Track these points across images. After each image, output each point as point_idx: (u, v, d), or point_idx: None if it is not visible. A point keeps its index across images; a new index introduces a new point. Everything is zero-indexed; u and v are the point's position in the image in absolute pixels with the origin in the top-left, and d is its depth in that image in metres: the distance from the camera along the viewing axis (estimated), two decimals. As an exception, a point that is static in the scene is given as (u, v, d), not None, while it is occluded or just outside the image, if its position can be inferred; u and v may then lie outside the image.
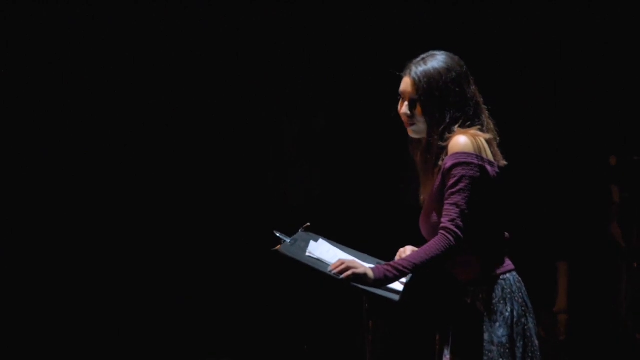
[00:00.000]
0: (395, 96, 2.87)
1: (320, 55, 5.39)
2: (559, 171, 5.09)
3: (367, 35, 5.34)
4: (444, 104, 2.76)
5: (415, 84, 2.79)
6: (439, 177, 2.74)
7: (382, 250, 2.94)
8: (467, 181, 2.68)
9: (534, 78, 5.25)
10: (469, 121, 2.76)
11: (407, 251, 2.88)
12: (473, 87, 2.81)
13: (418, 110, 2.80)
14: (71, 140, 5.18)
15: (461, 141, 2.71)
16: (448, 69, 2.78)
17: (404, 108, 2.83)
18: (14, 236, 5.06)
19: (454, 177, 2.69)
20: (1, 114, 5.06)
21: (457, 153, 2.70)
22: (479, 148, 2.72)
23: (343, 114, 5.48)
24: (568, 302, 4.87)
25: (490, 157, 2.76)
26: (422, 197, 2.87)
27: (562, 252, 4.90)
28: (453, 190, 2.68)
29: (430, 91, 2.77)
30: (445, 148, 2.74)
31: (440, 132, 2.76)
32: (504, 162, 2.82)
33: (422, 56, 2.84)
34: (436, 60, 2.80)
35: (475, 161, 2.70)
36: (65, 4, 5.08)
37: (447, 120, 2.75)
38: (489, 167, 2.73)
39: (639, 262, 5.03)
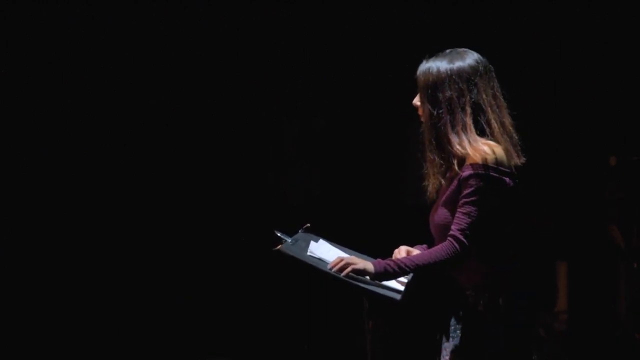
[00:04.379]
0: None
1: (320, 56, 5.39)
2: (559, 171, 5.09)
3: (367, 36, 5.34)
4: (437, 101, 2.77)
5: (417, 76, 2.83)
6: (455, 183, 2.74)
7: (382, 250, 2.95)
8: (483, 193, 2.68)
9: (534, 78, 5.25)
10: (475, 127, 2.76)
11: (401, 251, 2.89)
12: (476, 93, 2.79)
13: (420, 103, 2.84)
14: (71, 140, 5.18)
15: (482, 152, 2.70)
16: (451, 68, 2.78)
17: (414, 99, 2.86)
18: (14, 236, 5.06)
19: (470, 187, 2.69)
20: (1, 114, 5.07)
21: (476, 164, 2.69)
22: (499, 160, 2.72)
23: (343, 114, 5.48)
24: (568, 302, 4.88)
25: (510, 167, 2.75)
26: (429, 192, 2.87)
27: (562, 252, 4.90)
28: (467, 200, 2.68)
29: (425, 86, 2.79)
30: (461, 154, 2.73)
31: (436, 130, 2.76)
32: (522, 160, 2.83)
33: (442, 52, 2.85)
34: (442, 58, 2.81)
35: (494, 174, 2.70)
36: (65, 4, 5.08)
37: (443, 119, 2.75)
38: (507, 179, 2.73)
39: (639, 262, 5.04)
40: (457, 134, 2.74)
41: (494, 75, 2.83)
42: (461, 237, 2.67)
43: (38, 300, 5.10)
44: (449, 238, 2.69)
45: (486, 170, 2.69)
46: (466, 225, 2.67)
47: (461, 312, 2.78)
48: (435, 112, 2.76)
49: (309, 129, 5.57)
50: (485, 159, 2.70)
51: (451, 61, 2.79)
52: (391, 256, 2.87)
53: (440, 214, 2.79)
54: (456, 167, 2.72)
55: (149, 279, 5.23)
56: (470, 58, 2.81)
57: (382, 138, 5.35)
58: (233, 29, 5.36)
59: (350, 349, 5.04)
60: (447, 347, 2.79)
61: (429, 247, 2.83)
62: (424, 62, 2.83)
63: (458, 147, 2.72)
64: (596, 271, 4.87)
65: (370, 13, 5.33)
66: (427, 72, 2.80)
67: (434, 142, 2.77)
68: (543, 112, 5.22)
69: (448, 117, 2.75)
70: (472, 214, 2.68)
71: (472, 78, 2.78)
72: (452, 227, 2.69)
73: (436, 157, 2.77)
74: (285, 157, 5.55)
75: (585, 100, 5.25)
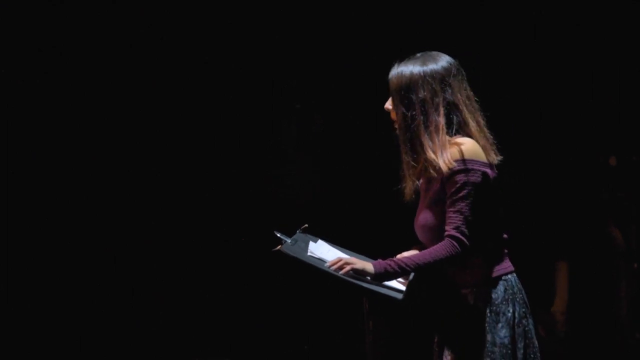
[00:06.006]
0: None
1: (319, 56, 5.39)
2: (559, 171, 5.09)
3: (367, 36, 5.34)
4: (410, 103, 2.78)
5: (389, 80, 2.85)
6: (438, 183, 2.75)
7: (381, 250, 2.95)
8: (470, 188, 2.69)
9: (533, 78, 5.25)
10: (448, 127, 2.77)
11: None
12: (451, 92, 2.80)
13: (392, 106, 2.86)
14: (71, 140, 5.18)
15: (460, 148, 2.72)
16: (424, 70, 2.80)
17: (386, 103, 2.89)
18: (13, 236, 5.07)
19: (457, 184, 2.70)
20: (1, 114, 5.07)
21: (457, 160, 2.71)
22: (474, 153, 2.74)
23: (343, 114, 5.48)
24: (567, 302, 4.87)
25: (487, 159, 2.77)
26: (405, 194, 2.88)
27: (562, 252, 4.90)
28: (456, 197, 2.70)
29: (398, 89, 2.81)
30: (433, 162, 2.73)
31: (410, 132, 2.77)
32: (499, 158, 2.84)
33: (413, 55, 2.87)
34: (414, 60, 2.84)
35: (476, 167, 2.71)
36: (64, 4, 5.08)
37: (416, 120, 2.76)
38: (489, 171, 2.75)
39: (639, 262, 5.04)
40: (430, 134, 2.75)
41: (466, 78, 2.86)
42: (459, 235, 2.68)
43: (38, 300, 5.10)
44: (447, 238, 2.70)
45: (466, 165, 2.71)
46: (461, 222, 2.68)
47: (460, 311, 2.78)
48: (409, 114, 2.79)
49: (309, 129, 5.57)
50: (465, 153, 2.71)
51: (424, 63, 2.81)
52: (392, 257, 2.88)
53: (424, 215, 2.80)
54: (432, 171, 2.74)
55: (150, 279, 5.24)
56: (443, 60, 2.83)
57: (382, 138, 5.34)
58: (232, 29, 5.36)
59: (350, 349, 5.04)
60: (448, 347, 2.80)
61: (425, 248, 2.83)
62: (396, 65, 2.86)
63: (431, 154, 2.74)
64: (596, 271, 4.87)
65: (370, 13, 5.33)
66: (400, 75, 2.82)
67: (408, 144, 2.79)
68: (543, 111, 5.22)
69: (421, 117, 2.77)
70: (463, 210, 2.69)
71: (446, 79, 2.80)
72: (447, 227, 2.70)
73: (410, 160, 2.79)
74: (285, 158, 5.55)
75: (585, 100, 5.25)
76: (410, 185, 2.85)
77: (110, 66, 5.18)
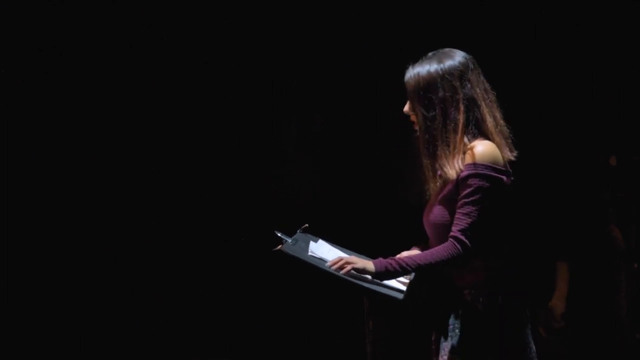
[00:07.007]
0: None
1: (319, 56, 5.39)
2: (559, 171, 5.09)
3: (367, 36, 5.34)
4: (430, 103, 2.76)
5: (406, 82, 2.81)
6: (453, 183, 2.73)
7: (381, 250, 2.95)
8: (482, 193, 2.68)
9: (533, 78, 5.25)
10: (467, 126, 2.76)
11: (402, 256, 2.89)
12: (470, 87, 2.78)
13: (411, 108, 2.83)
14: (71, 140, 5.18)
15: (478, 151, 2.70)
16: (442, 68, 2.77)
17: (405, 107, 2.85)
18: (13, 236, 5.06)
19: (470, 187, 2.69)
20: (1, 114, 5.07)
21: (474, 164, 2.70)
22: (494, 159, 2.72)
23: (343, 114, 5.48)
24: (567, 302, 4.87)
25: (505, 165, 2.76)
26: (428, 195, 2.88)
27: (562, 252, 4.90)
28: (467, 200, 2.68)
29: (416, 89, 2.78)
30: (446, 169, 2.73)
31: (429, 134, 2.76)
32: (514, 153, 2.83)
33: (426, 55, 2.85)
34: (429, 59, 2.81)
35: (492, 173, 2.70)
36: (64, 4, 5.07)
37: (437, 121, 2.75)
38: (504, 178, 2.73)
39: (639, 262, 5.04)
40: (448, 135, 2.73)
41: (481, 72, 2.84)
42: (462, 237, 2.67)
43: (38, 300, 5.10)
44: (450, 239, 2.69)
45: (484, 170, 2.69)
46: (467, 225, 2.67)
47: (460, 311, 2.78)
48: (429, 115, 2.76)
49: (309, 129, 5.57)
50: (483, 157, 2.70)
51: (440, 61, 2.78)
52: (392, 256, 2.88)
53: (436, 213, 2.79)
54: (446, 173, 2.73)
55: (149, 280, 5.23)
56: (458, 55, 2.81)
57: (382, 138, 5.35)
58: (232, 29, 5.35)
59: (350, 349, 5.04)
60: (446, 347, 2.80)
61: (426, 247, 2.83)
62: (410, 67, 2.82)
63: (443, 158, 2.72)
64: (596, 271, 4.87)
65: (370, 13, 5.33)
66: (417, 75, 2.78)
67: (428, 147, 2.77)
68: (544, 111, 5.22)
69: (441, 118, 2.75)
70: (472, 214, 2.68)
71: (465, 74, 2.77)
72: (453, 227, 2.69)
73: (429, 162, 2.78)
74: (285, 158, 5.55)
75: (585, 100, 5.25)
76: (432, 187, 2.83)
77: (110, 66, 5.18)
